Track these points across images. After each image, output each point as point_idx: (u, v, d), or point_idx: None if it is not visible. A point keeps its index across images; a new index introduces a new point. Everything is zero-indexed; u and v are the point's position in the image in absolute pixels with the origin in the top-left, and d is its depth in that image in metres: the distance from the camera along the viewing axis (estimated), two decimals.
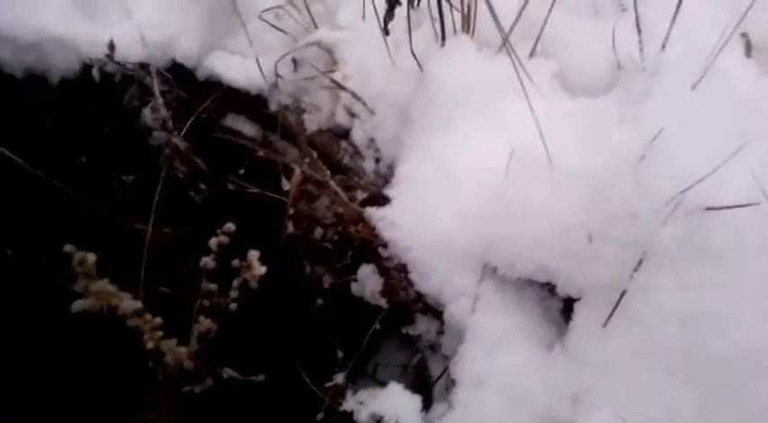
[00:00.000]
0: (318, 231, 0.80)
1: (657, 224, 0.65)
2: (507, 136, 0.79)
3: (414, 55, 0.91)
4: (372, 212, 0.84)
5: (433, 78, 0.87)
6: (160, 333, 0.70)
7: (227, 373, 0.76)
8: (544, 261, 0.74)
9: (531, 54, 0.87)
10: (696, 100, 0.70)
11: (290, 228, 0.79)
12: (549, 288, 0.81)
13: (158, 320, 0.69)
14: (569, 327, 0.75)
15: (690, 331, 0.67)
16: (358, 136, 1.05)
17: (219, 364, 0.84)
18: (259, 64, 1.01)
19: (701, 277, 0.67)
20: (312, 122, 1.10)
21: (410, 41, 0.91)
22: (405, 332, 0.92)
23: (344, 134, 1.10)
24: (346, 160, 1.10)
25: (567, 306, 0.79)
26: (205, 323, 0.69)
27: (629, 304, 0.69)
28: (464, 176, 0.81)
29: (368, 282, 0.90)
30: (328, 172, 0.85)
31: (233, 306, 0.69)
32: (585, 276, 0.72)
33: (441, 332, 0.91)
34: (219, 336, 0.81)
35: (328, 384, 0.85)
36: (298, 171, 0.77)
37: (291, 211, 0.79)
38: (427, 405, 0.83)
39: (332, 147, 1.09)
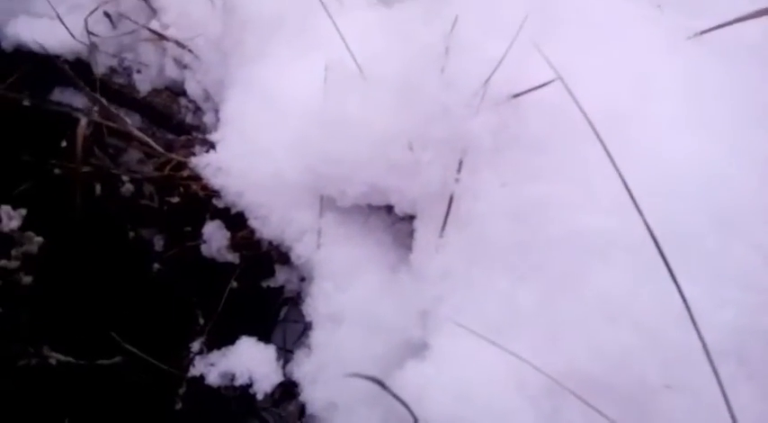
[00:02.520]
0: (128, 188, 0.72)
1: (469, 118, 0.62)
2: (325, 55, 0.74)
3: None
4: (196, 161, 0.76)
5: (244, 6, 0.80)
6: None
7: (54, 357, 0.68)
8: (373, 180, 0.70)
9: None
10: None
11: (98, 189, 0.70)
12: (395, 214, 0.78)
13: None
14: (412, 245, 0.72)
15: (520, 224, 0.64)
16: (192, 88, 0.97)
17: (63, 350, 0.76)
18: (63, 22, 0.91)
19: (522, 169, 0.64)
20: (144, 82, 1.01)
21: None
22: (266, 286, 0.87)
23: (183, 91, 1.02)
24: (189, 118, 1.02)
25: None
26: None
27: (460, 209, 0.66)
28: (288, 105, 0.76)
29: (213, 239, 0.84)
30: (128, 119, 0.76)
31: (26, 280, 0.61)
32: (415, 188, 0.68)
33: (303, 279, 0.86)
34: (59, 320, 0.73)
35: (185, 354, 0.79)
36: (83, 121, 0.68)
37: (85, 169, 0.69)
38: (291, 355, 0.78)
39: (171, 106, 1.01)
